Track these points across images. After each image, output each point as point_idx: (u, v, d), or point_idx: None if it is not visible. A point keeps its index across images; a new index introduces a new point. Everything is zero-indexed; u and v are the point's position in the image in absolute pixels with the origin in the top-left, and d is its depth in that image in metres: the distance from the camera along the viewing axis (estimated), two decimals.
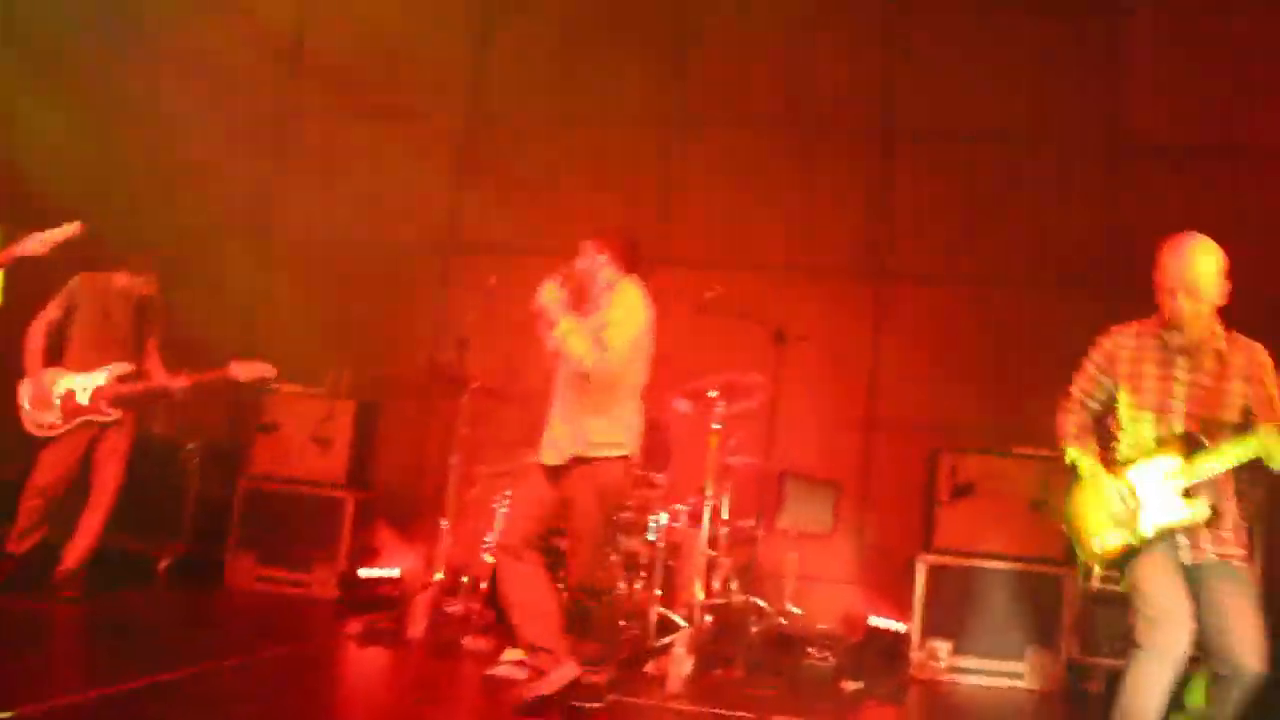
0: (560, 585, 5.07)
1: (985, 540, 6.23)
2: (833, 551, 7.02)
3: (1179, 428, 3.73)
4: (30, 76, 8.19)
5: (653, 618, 5.83)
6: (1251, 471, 3.72)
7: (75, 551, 5.96)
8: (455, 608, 6.07)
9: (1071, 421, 3.99)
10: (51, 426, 5.92)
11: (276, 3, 8.43)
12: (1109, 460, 3.88)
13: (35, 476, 5.92)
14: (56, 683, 4.20)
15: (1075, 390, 4.01)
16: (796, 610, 6.41)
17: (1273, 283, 6.47)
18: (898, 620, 6.29)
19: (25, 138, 7.95)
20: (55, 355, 6.03)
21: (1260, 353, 3.79)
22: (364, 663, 5.52)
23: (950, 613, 6.15)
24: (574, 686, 4.73)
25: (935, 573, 6.22)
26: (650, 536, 6.03)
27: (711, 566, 6.00)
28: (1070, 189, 7.42)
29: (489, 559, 6.01)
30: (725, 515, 6.17)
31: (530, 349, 5.05)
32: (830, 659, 5.93)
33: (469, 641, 5.67)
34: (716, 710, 4.95)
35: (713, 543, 5.99)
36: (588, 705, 4.73)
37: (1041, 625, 6.07)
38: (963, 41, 7.67)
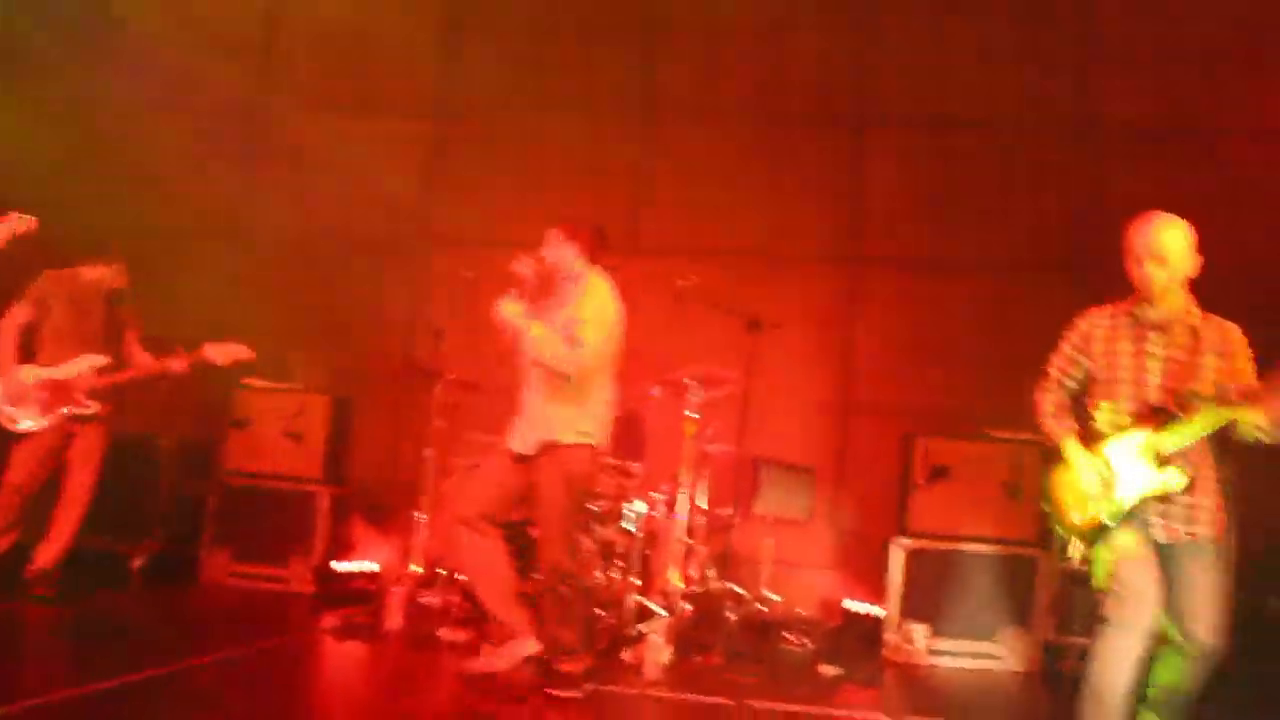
0: (535, 575, 5.09)
1: (960, 523, 6.26)
2: (809, 537, 7.05)
3: (1153, 401, 3.79)
4: None
5: (630, 606, 5.84)
6: (1222, 445, 3.80)
7: (49, 551, 5.91)
8: (432, 600, 6.05)
9: (1049, 401, 4.06)
10: (32, 422, 5.85)
11: None
12: (1087, 437, 3.93)
13: (10, 474, 5.84)
14: (32, 683, 4.16)
15: (1052, 370, 4.08)
16: (774, 596, 6.43)
17: (1247, 261, 6.53)
18: (874, 604, 6.32)
19: None
20: (27, 355, 5.95)
21: (1233, 330, 3.85)
22: (342, 657, 5.50)
23: (926, 596, 6.18)
24: (548, 673, 4.82)
25: (911, 556, 6.24)
26: (627, 525, 6.04)
27: (688, 554, 6.01)
28: (1042, 172, 7.44)
29: None
30: (702, 503, 6.18)
31: (505, 341, 5.06)
32: (808, 644, 5.94)
33: (446, 633, 5.66)
34: (695, 697, 4.95)
35: (689, 530, 6.00)
36: (565, 693, 4.74)
37: (1017, 606, 6.11)
38: (933, 26, 7.68)
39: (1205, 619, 3.72)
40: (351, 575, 6.52)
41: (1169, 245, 3.76)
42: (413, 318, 7.63)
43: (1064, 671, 5.87)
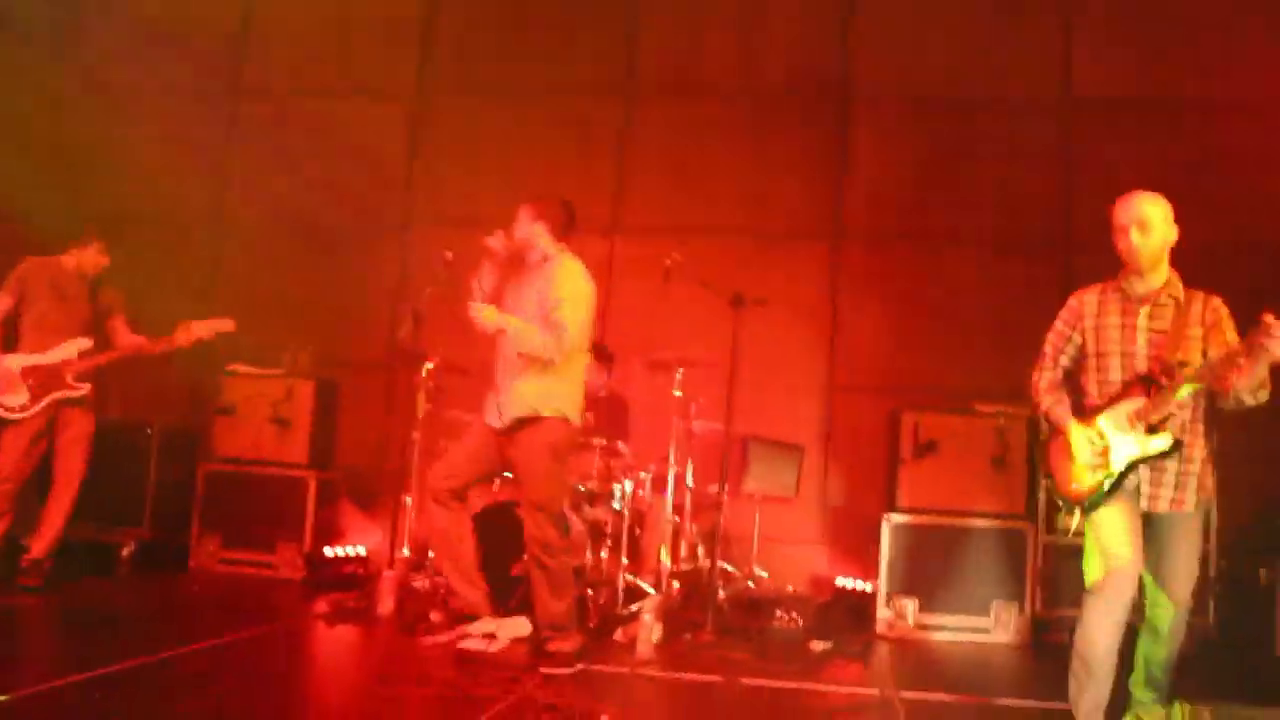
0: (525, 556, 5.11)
1: (949, 498, 6.29)
2: (798, 514, 7.07)
3: (1142, 371, 3.89)
4: None
5: (620, 585, 5.85)
6: (1211, 415, 3.93)
7: (42, 541, 5.89)
8: (422, 584, 6.06)
9: (1044, 378, 4.16)
10: (21, 408, 5.82)
11: None
12: (1080, 410, 4.04)
13: (4, 457, 5.79)
14: (23, 673, 4.14)
15: (1046, 348, 4.18)
16: (763, 573, 6.45)
17: (1227, 232, 6.58)
18: (864, 580, 6.35)
19: None
20: (9, 345, 5.92)
21: (1218, 302, 3.94)
22: (334, 642, 5.50)
23: (916, 570, 6.21)
24: (540, 652, 4.88)
25: (900, 531, 6.27)
26: (615, 505, 6.04)
27: (677, 533, 6.02)
28: (1024, 147, 7.45)
29: None
30: (690, 482, 6.19)
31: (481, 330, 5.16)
32: (798, 620, 5.95)
33: (436, 616, 5.65)
34: (687, 675, 4.96)
35: (678, 509, 6.01)
36: (558, 671, 4.75)
37: (1007, 580, 6.15)
38: (915, 2, 7.67)
39: (1184, 580, 3.93)
40: (342, 560, 6.51)
41: (1149, 213, 3.89)
42: (397, 299, 7.60)
43: (1054, 643, 5.91)
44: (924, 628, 6.16)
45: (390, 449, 7.24)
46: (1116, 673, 3.89)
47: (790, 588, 6.57)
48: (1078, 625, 3.91)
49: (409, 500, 6.15)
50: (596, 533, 6.00)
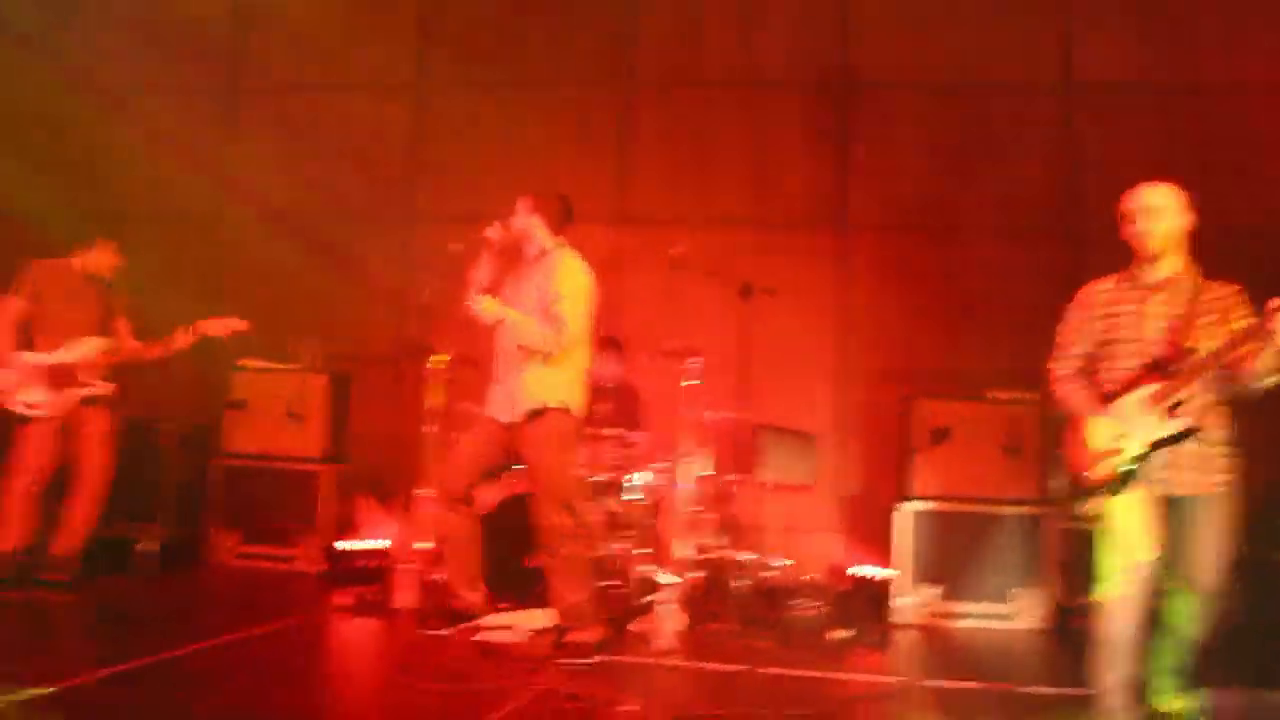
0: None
1: (964, 484, 6.29)
2: (813, 502, 7.06)
3: (1156, 357, 3.92)
4: None
5: (638, 576, 5.86)
6: (1227, 398, 3.95)
7: (66, 538, 5.90)
8: (441, 576, 6.04)
9: (1061, 368, 4.19)
10: (41, 406, 5.82)
11: None
12: (1098, 397, 4.06)
13: (26, 457, 5.81)
14: (46, 670, 4.15)
15: (1061, 338, 4.21)
16: (781, 562, 6.44)
17: (1235, 217, 6.55)
18: (882, 567, 6.34)
19: None
20: (23, 347, 5.92)
21: (1232, 289, 3.97)
22: (354, 635, 5.52)
23: (935, 558, 6.22)
24: (561, 644, 4.91)
25: (918, 519, 6.27)
26: (631, 496, 6.04)
27: (694, 523, 6.02)
28: (1028, 131, 7.43)
29: None
30: (705, 471, 6.18)
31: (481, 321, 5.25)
32: (818, 609, 5.96)
33: (456, 608, 5.66)
34: (709, 665, 4.97)
35: (694, 499, 6.00)
36: (577, 662, 4.76)
37: (1026, 566, 6.15)
38: None
39: (1208, 565, 3.89)
40: (360, 553, 6.51)
41: (1159, 200, 3.95)
42: (403, 293, 7.57)
43: (1077, 628, 5.88)
44: (945, 615, 6.16)
45: (404, 441, 7.22)
46: (1142, 656, 3.92)
47: (808, 576, 6.55)
48: (1099, 610, 3.95)
49: (424, 492, 6.14)
50: (613, 524, 6.00)
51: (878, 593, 6.19)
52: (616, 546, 5.97)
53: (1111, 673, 3.91)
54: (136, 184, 8.05)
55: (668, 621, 5.31)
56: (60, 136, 8.13)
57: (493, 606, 5.39)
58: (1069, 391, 4.13)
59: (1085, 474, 4.02)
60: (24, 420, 5.83)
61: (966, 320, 7.25)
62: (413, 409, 6.25)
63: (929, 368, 7.14)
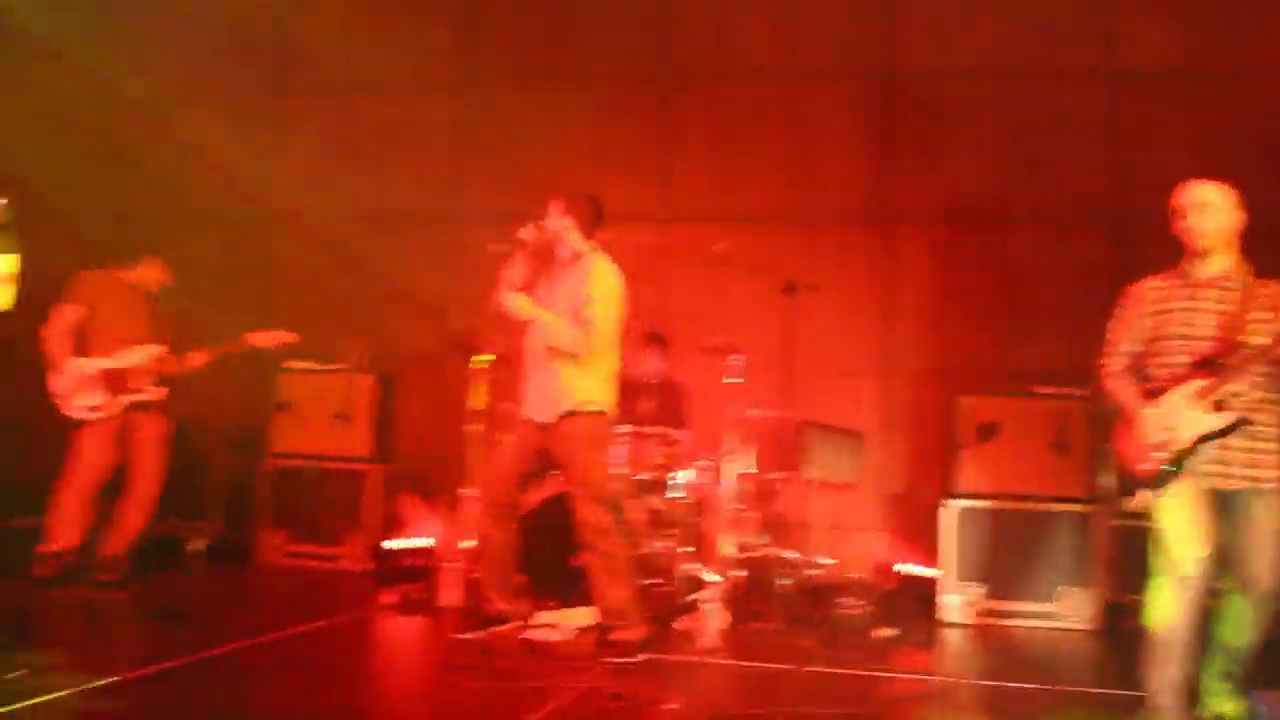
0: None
1: (1011, 481, 6.21)
2: (858, 500, 7.01)
3: (1206, 353, 3.89)
4: (12, 60, 8.14)
5: (683, 574, 5.85)
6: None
7: (116, 539, 6.01)
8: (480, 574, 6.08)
9: (1112, 365, 4.17)
10: (97, 409, 5.92)
11: None
12: (1147, 393, 4.03)
13: (84, 458, 5.92)
14: (97, 666, 4.23)
15: (1112, 335, 4.19)
16: (826, 561, 6.41)
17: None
18: (928, 566, 6.29)
19: (5, 125, 7.87)
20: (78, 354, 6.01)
21: None
22: (401, 633, 5.58)
23: (981, 556, 6.15)
24: (605, 642, 4.90)
25: (963, 516, 6.21)
26: (674, 494, 6.04)
27: (738, 521, 6.00)
28: (1073, 120, 7.29)
29: None
30: (749, 469, 6.17)
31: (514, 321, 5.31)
32: (863, 607, 5.93)
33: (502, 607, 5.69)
34: (755, 663, 4.97)
35: (738, 497, 5.99)
36: (621, 661, 4.76)
37: (1073, 564, 6.06)
38: None
39: (1264, 562, 3.84)
40: (407, 552, 6.55)
41: (1209, 195, 3.94)
42: (448, 293, 7.61)
43: (1125, 628, 5.80)
44: (991, 614, 6.10)
45: (450, 441, 7.26)
46: (1193, 657, 3.88)
47: (853, 574, 6.52)
48: (1150, 608, 3.92)
49: (469, 492, 6.17)
50: (657, 522, 6.00)
51: (923, 591, 6.14)
52: (660, 544, 5.97)
53: (1162, 673, 3.88)
54: (184, 188, 8.12)
55: (711, 620, 5.31)
56: (107, 142, 8.23)
57: (534, 607, 5.43)
58: (1118, 387, 4.11)
59: (1133, 468, 3.99)
60: (80, 424, 5.94)
61: (1013, 315, 7.16)
62: (457, 408, 6.28)
63: (975, 363, 7.06)
